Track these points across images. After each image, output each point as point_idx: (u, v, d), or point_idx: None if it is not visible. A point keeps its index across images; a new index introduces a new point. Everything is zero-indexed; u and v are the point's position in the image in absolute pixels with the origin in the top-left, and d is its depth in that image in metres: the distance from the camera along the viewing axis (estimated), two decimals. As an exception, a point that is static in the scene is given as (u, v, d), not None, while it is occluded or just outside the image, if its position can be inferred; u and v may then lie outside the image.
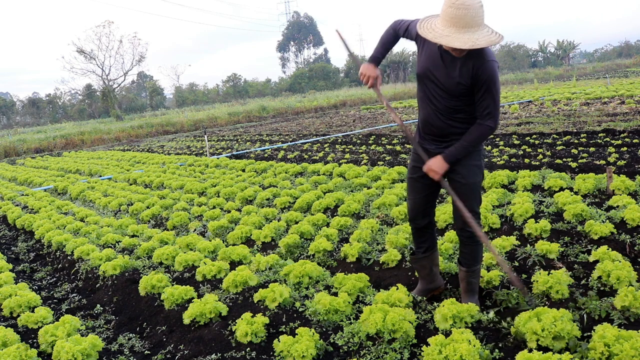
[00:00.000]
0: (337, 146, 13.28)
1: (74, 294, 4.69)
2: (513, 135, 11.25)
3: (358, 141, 13.79)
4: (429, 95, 2.97)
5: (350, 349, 3.04)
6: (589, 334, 2.80)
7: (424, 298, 3.57)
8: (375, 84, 3.15)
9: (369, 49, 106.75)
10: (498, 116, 2.85)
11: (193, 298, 3.86)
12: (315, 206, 6.34)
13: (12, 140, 27.19)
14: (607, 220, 4.44)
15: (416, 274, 3.76)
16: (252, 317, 3.24)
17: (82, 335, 3.59)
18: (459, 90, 2.84)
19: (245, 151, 14.56)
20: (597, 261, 3.72)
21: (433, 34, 2.67)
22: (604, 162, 7.30)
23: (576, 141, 9.52)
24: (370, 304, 3.49)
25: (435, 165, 2.95)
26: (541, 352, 2.53)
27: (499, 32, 2.64)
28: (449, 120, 2.96)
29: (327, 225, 5.64)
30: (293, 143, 15.41)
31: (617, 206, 4.89)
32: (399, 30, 3.13)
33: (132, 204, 8.13)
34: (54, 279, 5.30)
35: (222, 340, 3.25)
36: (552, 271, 3.38)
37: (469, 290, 3.32)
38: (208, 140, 18.55)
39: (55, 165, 16.06)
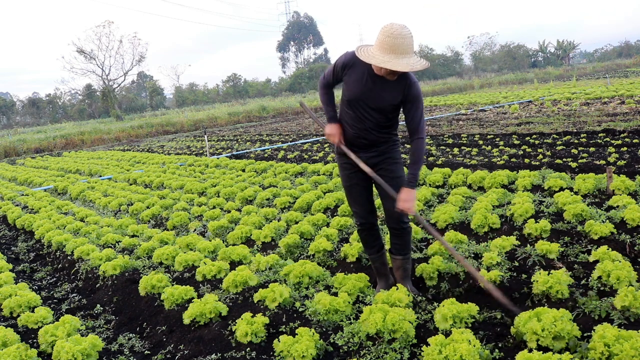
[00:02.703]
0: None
1: (74, 294, 4.69)
2: (513, 135, 11.25)
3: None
4: (360, 116, 3.33)
5: (350, 349, 3.04)
6: (589, 334, 2.80)
7: (424, 298, 3.59)
8: (342, 140, 3.52)
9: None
10: (425, 126, 3.34)
11: (193, 298, 3.86)
12: (315, 206, 6.34)
13: (12, 140, 27.19)
14: (607, 220, 4.44)
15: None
16: (252, 317, 3.24)
17: (82, 335, 3.59)
18: (389, 108, 3.27)
19: (245, 151, 14.56)
20: (597, 261, 3.72)
21: (376, 59, 3.01)
22: (604, 162, 7.30)
23: (576, 141, 9.52)
24: (370, 304, 3.49)
25: (409, 197, 3.26)
26: (541, 352, 2.53)
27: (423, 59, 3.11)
28: (380, 133, 3.39)
29: (327, 225, 5.64)
30: (293, 143, 15.41)
31: (617, 206, 4.89)
32: (330, 85, 3.51)
33: (132, 204, 8.13)
34: (54, 279, 5.30)
35: (222, 340, 3.25)
36: (552, 271, 3.38)
37: (405, 276, 3.70)
38: (208, 140, 18.55)
39: (55, 165, 16.07)
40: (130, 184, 10.64)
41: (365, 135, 3.37)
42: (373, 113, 3.28)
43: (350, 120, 3.39)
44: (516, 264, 3.95)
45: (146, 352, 3.42)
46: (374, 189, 3.61)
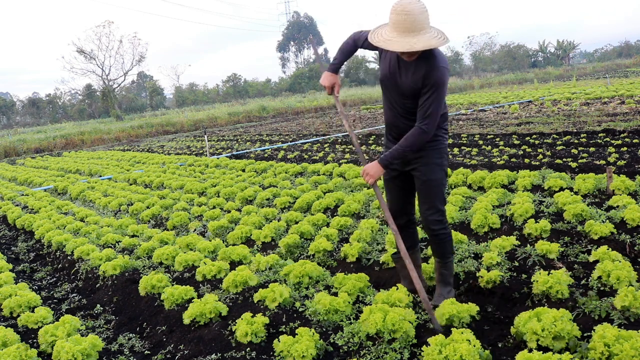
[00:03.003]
0: (337, 146, 13.28)
1: (74, 294, 4.69)
2: (513, 135, 11.25)
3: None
4: (390, 99, 3.12)
5: (350, 349, 3.04)
6: (589, 334, 2.80)
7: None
8: (333, 92, 3.34)
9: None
10: (436, 121, 2.95)
11: (193, 298, 3.86)
12: (315, 206, 6.34)
13: (12, 140, 27.18)
14: (607, 220, 4.44)
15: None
16: (252, 317, 3.24)
17: (82, 335, 3.59)
18: (413, 92, 2.96)
19: (245, 151, 14.56)
20: (597, 261, 3.72)
21: (378, 39, 2.84)
22: (604, 162, 7.30)
23: (576, 141, 9.52)
24: (370, 304, 3.49)
25: (371, 170, 3.09)
26: (541, 352, 2.53)
27: (445, 35, 2.75)
28: (409, 121, 3.08)
29: (327, 225, 5.64)
30: (293, 143, 15.41)
31: (617, 206, 4.89)
32: (358, 41, 3.26)
33: (132, 204, 8.13)
34: (54, 279, 5.30)
35: (222, 340, 3.25)
36: (552, 271, 3.38)
37: (441, 280, 3.48)
38: (208, 140, 18.55)
39: (55, 165, 16.06)
40: (130, 184, 10.64)
41: (396, 122, 3.13)
42: (399, 98, 3.04)
43: (384, 104, 3.20)
44: (516, 264, 3.95)
45: (146, 352, 3.42)
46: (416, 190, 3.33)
